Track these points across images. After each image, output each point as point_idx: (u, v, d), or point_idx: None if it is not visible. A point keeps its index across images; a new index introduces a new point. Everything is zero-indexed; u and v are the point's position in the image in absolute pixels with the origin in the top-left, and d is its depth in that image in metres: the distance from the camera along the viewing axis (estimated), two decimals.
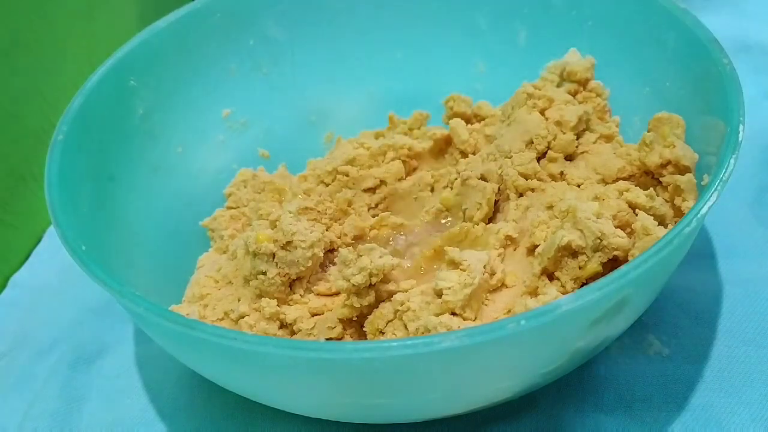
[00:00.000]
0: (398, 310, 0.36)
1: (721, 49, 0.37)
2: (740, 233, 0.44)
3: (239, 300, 0.39)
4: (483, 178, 0.42)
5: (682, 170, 0.37)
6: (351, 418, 0.36)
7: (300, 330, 0.38)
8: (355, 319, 0.38)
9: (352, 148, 0.45)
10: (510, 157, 0.41)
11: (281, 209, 0.40)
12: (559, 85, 0.44)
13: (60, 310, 0.47)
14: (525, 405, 0.38)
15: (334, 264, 0.41)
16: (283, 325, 0.39)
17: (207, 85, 0.49)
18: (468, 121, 0.47)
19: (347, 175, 0.44)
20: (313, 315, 0.39)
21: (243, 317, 0.38)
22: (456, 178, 0.43)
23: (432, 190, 0.45)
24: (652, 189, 0.38)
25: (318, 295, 0.40)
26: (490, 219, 0.42)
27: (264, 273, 0.38)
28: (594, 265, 0.35)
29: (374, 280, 0.36)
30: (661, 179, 0.38)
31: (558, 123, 0.41)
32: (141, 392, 0.42)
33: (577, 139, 0.41)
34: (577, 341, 0.32)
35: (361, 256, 0.36)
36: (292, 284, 0.39)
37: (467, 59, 0.50)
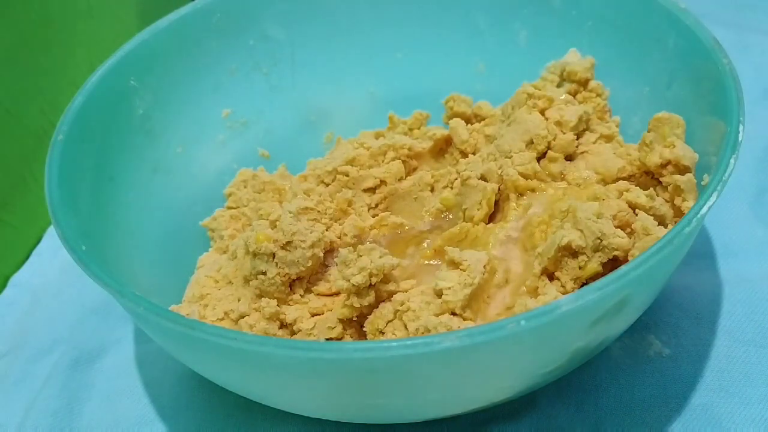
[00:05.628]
0: (398, 310, 0.36)
1: (721, 49, 0.37)
2: (740, 233, 0.44)
3: (239, 300, 0.39)
4: (483, 178, 0.41)
5: (682, 170, 0.37)
6: (351, 418, 0.36)
7: (300, 330, 0.38)
8: (355, 319, 0.38)
9: (352, 148, 0.45)
10: (510, 157, 0.41)
11: (281, 209, 0.40)
12: (559, 85, 0.44)
13: (60, 310, 0.47)
14: (525, 405, 0.38)
15: (334, 264, 0.41)
16: (283, 325, 0.39)
17: (207, 85, 0.49)
18: (468, 121, 0.47)
19: (347, 175, 0.44)
20: (313, 315, 0.39)
21: (243, 317, 0.38)
22: (456, 178, 0.43)
23: (432, 190, 0.45)
24: (652, 189, 0.38)
25: (318, 295, 0.40)
26: (490, 219, 0.42)
27: (264, 273, 0.38)
28: (594, 265, 0.35)
29: (374, 280, 0.36)
30: (661, 179, 0.38)
31: (558, 123, 0.41)
32: (141, 392, 0.42)
33: (577, 139, 0.41)
34: (577, 341, 0.32)
35: (361, 256, 0.36)
36: (292, 284, 0.39)
37: (467, 59, 0.50)
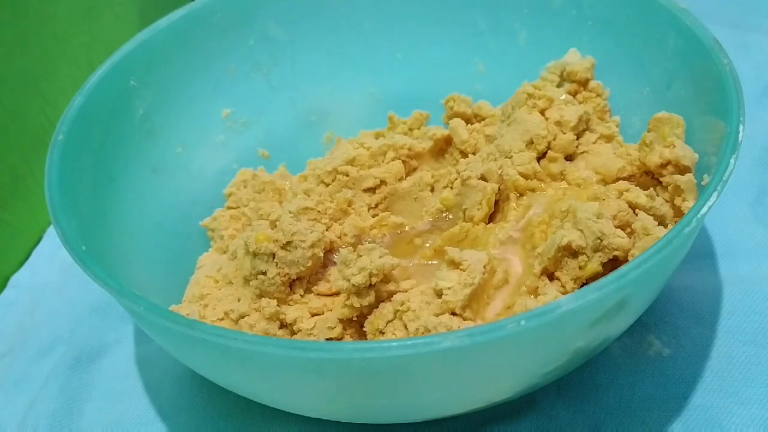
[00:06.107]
0: (398, 310, 0.36)
1: (721, 49, 0.37)
2: (740, 233, 0.44)
3: (239, 300, 0.39)
4: (483, 178, 0.41)
5: (682, 170, 0.37)
6: (351, 418, 0.36)
7: (300, 330, 0.38)
8: (355, 319, 0.38)
9: (352, 148, 0.45)
10: (510, 157, 0.41)
11: (281, 209, 0.40)
12: (559, 85, 0.44)
13: (60, 310, 0.47)
14: (525, 405, 0.38)
15: (334, 264, 0.41)
16: (283, 325, 0.39)
17: (207, 85, 0.49)
18: (468, 121, 0.47)
19: (347, 175, 0.44)
20: (313, 315, 0.39)
21: (243, 317, 0.38)
22: (456, 178, 0.43)
23: (432, 190, 0.45)
24: (652, 189, 0.38)
25: (318, 295, 0.40)
26: (490, 219, 0.42)
27: (264, 273, 0.38)
28: (594, 265, 0.35)
29: (374, 280, 0.36)
30: (661, 179, 0.38)
31: (558, 123, 0.41)
32: (141, 392, 0.42)
33: (577, 139, 0.41)
34: (577, 341, 0.32)
35: (361, 256, 0.36)
36: (292, 284, 0.39)
37: (467, 59, 0.51)
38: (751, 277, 0.42)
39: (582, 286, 0.35)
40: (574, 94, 0.43)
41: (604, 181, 0.40)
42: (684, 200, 0.37)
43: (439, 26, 0.51)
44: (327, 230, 0.41)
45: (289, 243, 0.38)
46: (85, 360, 0.44)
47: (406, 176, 0.46)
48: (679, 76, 0.40)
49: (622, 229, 0.36)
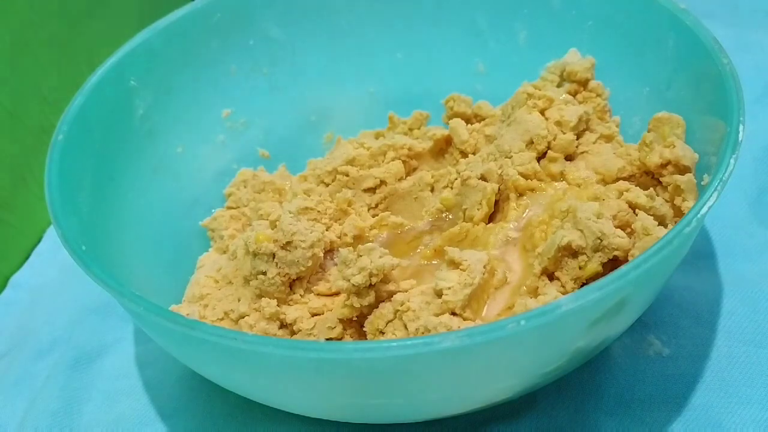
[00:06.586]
0: (398, 310, 0.36)
1: (721, 49, 0.37)
2: (740, 233, 0.44)
3: (239, 300, 0.39)
4: (483, 178, 0.41)
5: (682, 170, 0.37)
6: (351, 418, 0.36)
7: (300, 330, 0.38)
8: (355, 319, 0.38)
9: (352, 148, 0.45)
10: (510, 157, 0.41)
11: (281, 209, 0.40)
12: (559, 85, 0.44)
13: (60, 310, 0.47)
14: (525, 405, 0.38)
15: (334, 264, 0.41)
16: (283, 325, 0.39)
17: (207, 85, 0.49)
18: (468, 121, 0.47)
19: (347, 175, 0.44)
20: (313, 315, 0.39)
21: (243, 317, 0.38)
22: (456, 178, 0.43)
23: (432, 190, 0.45)
24: (652, 189, 0.38)
25: (318, 295, 0.40)
26: (490, 219, 0.42)
27: (264, 273, 0.38)
28: (594, 265, 0.35)
29: (374, 280, 0.36)
30: (661, 179, 0.38)
31: (558, 123, 0.41)
32: (141, 392, 0.42)
33: (577, 139, 0.41)
34: (577, 341, 0.32)
35: (361, 256, 0.36)
36: (292, 284, 0.39)
37: (467, 59, 0.51)
38: (751, 277, 0.42)
39: (582, 286, 0.35)
40: (574, 94, 0.43)
41: (604, 181, 0.40)
42: (684, 200, 0.37)
43: (439, 26, 0.51)
44: (327, 230, 0.41)
45: (289, 243, 0.38)
46: (85, 360, 0.44)
47: (406, 176, 0.46)
48: (679, 76, 0.40)
49: (622, 229, 0.36)
